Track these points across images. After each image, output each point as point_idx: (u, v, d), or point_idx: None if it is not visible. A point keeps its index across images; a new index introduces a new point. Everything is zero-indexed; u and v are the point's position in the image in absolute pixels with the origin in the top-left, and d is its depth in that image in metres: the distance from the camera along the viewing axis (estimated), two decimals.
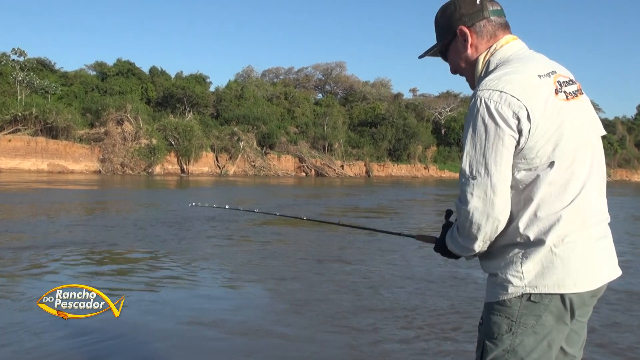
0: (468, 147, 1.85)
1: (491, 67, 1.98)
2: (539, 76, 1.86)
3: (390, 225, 14.45)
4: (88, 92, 62.53)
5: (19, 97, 51.96)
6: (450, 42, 2.08)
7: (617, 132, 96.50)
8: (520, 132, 1.78)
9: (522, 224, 1.83)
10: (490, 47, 2.01)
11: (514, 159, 1.81)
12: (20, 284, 6.78)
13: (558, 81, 1.88)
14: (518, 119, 1.77)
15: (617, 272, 1.96)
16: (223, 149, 62.94)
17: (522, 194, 1.84)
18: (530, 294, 1.81)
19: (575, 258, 1.81)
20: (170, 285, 6.99)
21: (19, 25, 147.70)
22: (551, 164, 1.81)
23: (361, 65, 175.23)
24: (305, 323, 5.46)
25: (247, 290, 6.95)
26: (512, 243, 1.86)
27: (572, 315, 1.85)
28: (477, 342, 1.96)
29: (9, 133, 48.74)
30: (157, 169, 54.93)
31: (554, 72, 1.90)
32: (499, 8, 2.04)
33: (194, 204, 3.72)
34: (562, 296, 1.81)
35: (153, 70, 71.43)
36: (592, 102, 2.04)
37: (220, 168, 61.92)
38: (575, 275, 1.80)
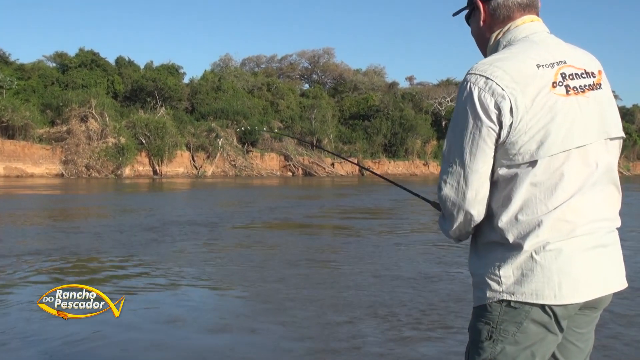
0: (450, 131, 1.94)
1: (500, 48, 2.03)
2: (538, 66, 1.87)
3: (384, 225, 15.20)
4: (47, 86, 62.44)
5: None
6: (472, 11, 2.16)
7: (636, 122, 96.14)
8: (500, 124, 1.82)
9: (501, 224, 1.88)
10: (504, 27, 2.05)
11: (497, 152, 1.86)
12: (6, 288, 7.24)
13: (562, 73, 1.89)
14: (499, 110, 1.81)
15: (618, 285, 1.96)
16: (200, 147, 63.13)
17: (503, 191, 1.89)
18: (510, 300, 1.86)
19: (558, 267, 1.83)
20: (155, 289, 7.59)
21: None
22: (533, 163, 1.84)
23: (351, 51, 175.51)
24: (284, 321, 6.06)
25: (230, 291, 7.64)
26: (492, 241, 1.92)
27: (560, 327, 1.89)
28: (465, 351, 2.04)
29: None
30: (127, 171, 54.95)
31: (561, 62, 1.91)
32: None
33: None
34: (542, 306, 1.84)
35: (120, 60, 71.44)
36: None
37: (197, 168, 62.16)
38: (555, 285, 1.83)
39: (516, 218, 1.85)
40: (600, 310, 2.02)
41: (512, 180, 1.86)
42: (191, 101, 69.88)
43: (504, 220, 1.86)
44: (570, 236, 1.83)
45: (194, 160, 62.93)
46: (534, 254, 1.83)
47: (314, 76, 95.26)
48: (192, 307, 6.68)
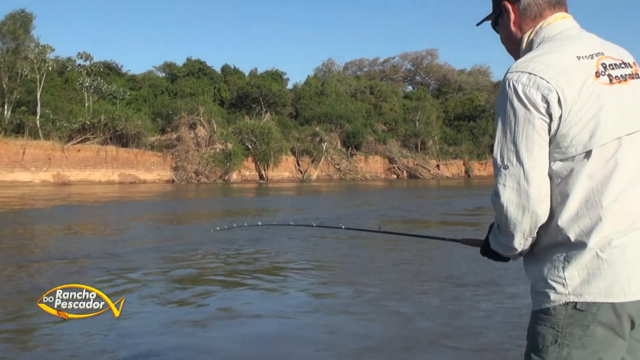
0: (499, 134, 1.88)
1: (534, 47, 2.00)
2: (578, 57, 1.87)
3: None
4: (157, 95, 65.24)
5: (86, 104, 54.94)
6: (499, 15, 2.13)
7: None
8: (550, 116, 1.80)
9: (561, 222, 1.83)
10: (535, 26, 2.03)
11: (549, 147, 1.84)
12: None
13: (602, 63, 1.88)
14: (547, 103, 1.79)
15: None
16: (304, 151, 64.17)
17: (559, 187, 1.85)
18: (576, 302, 1.81)
19: (625, 263, 1.78)
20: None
21: (83, 28, 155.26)
22: (588, 154, 1.81)
23: (455, 52, 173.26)
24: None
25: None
26: (554, 243, 1.87)
27: (632, 326, 1.82)
28: (524, 355, 1.97)
29: (78, 142, 51.37)
30: (234, 176, 56.43)
31: (599, 54, 1.90)
32: None
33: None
34: (612, 305, 1.78)
35: (225, 68, 73.70)
36: None
37: (302, 173, 63.10)
38: (625, 282, 1.78)
39: (577, 214, 1.81)
40: None
41: (568, 174, 1.82)
42: (295, 106, 71.17)
43: (564, 218, 1.82)
44: (632, 229, 1.78)
45: (298, 165, 63.91)
46: (599, 252, 1.77)
47: (417, 78, 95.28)
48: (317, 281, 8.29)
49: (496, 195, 1.86)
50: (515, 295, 6.92)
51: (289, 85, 76.47)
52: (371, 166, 68.50)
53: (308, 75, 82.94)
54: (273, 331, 5.82)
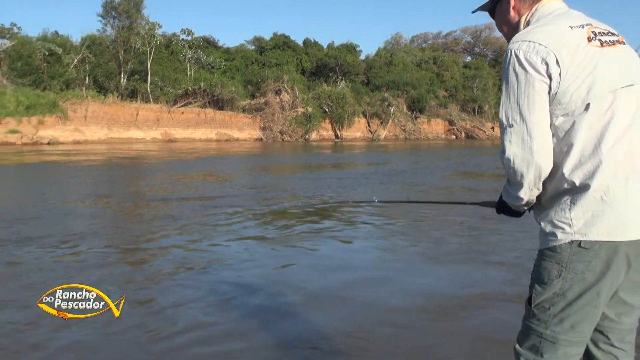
0: (504, 97, 1.95)
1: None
2: (571, 27, 1.94)
3: None
4: (248, 65, 68.21)
5: (188, 73, 58.85)
6: (497, 2, 2.22)
7: None
8: (550, 76, 1.85)
9: (566, 170, 1.87)
10: (531, 9, 2.11)
11: (550, 105, 1.88)
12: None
13: (592, 31, 1.94)
14: (547, 64, 1.85)
15: None
16: (374, 114, 66.90)
17: (563, 140, 1.89)
18: (580, 240, 1.85)
19: (626, 205, 1.82)
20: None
21: (186, 7, 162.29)
22: (587, 107, 1.84)
23: None
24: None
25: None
26: (560, 191, 1.92)
27: (629, 265, 1.88)
28: (528, 287, 2.02)
29: (182, 106, 54.76)
30: (313, 135, 59.50)
31: (588, 24, 1.96)
32: None
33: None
34: (614, 244, 1.83)
35: (306, 41, 75.91)
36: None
37: (372, 133, 65.99)
38: (625, 222, 1.82)
39: (580, 161, 1.85)
40: None
41: (570, 127, 1.87)
42: (367, 75, 73.21)
43: (568, 167, 1.87)
44: (631, 172, 1.84)
45: (369, 126, 66.61)
46: (602, 195, 1.82)
47: (476, 49, 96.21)
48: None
49: (503, 152, 1.94)
50: (529, 225, 5.96)
51: (362, 56, 77.96)
52: (433, 127, 70.39)
53: (378, 47, 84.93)
54: (344, 261, 6.09)
